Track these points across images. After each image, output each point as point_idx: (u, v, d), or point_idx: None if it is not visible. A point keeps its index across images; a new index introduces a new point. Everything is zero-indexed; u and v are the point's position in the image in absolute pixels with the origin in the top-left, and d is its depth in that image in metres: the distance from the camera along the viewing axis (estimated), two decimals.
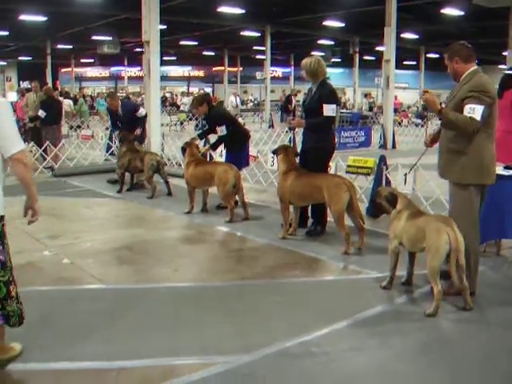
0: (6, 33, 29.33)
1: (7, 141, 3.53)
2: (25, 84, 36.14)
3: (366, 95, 35.12)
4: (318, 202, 7.36)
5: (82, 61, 49.84)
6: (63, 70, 51.70)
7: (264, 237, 7.60)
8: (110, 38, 29.72)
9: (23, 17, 25.11)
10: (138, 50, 36.08)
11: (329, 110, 7.51)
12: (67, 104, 22.50)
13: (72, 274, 6.14)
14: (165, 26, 25.56)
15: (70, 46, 39.11)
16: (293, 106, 27.70)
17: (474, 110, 5.03)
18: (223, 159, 10.24)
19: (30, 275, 6.04)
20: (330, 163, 8.60)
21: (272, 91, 32.52)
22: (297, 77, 43.72)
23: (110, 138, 14.57)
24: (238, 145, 9.51)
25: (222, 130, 9.28)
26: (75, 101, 28.16)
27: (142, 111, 11.81)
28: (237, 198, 8.78)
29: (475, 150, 5.20)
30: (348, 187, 6.96)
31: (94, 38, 31.18)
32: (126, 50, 36.39)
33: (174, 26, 27.60)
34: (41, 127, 13.95)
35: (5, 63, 46.23)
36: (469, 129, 5.07)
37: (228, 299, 5.42)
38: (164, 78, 51.84)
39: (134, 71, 50.94)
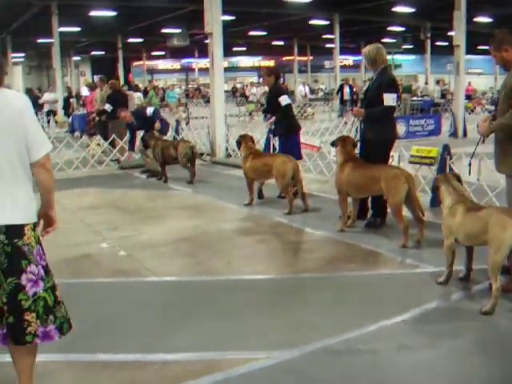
0: (78, 29, 29.96)
1: (34, 144, 3.25)
2: (97, 78, 37.01)
3: (437, 82, 34.20)
4: (375, 194, 7.19)
5: (153, 54, 50.60)
6: (135, 63, 52.63)
7: (322, 229, 7.49)
8: (179, 31, 29.96)
9: (94, 13, 25.69)
10: (207, 41, 36.24)
11: (389, 99, 7.33)
12: (137, 97, 22.85)
13: (128, 266, 6.21)
14: (233, 17, 25.61)
15: (141, 40, 39.72)
16: (346, 95, 27.29)
17: None
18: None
19: (86, 267, 6.17)
20: (393, 153, 8.40)
21: (343, 80, 32.04)
22: None
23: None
24: (288, 132, 9.66)
25: (285, 100, 9.49)
26: (145, 93, 28.61)
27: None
28: (296, 189, 8.69)
29: None
30: (406, 178, 6.76)
31: (164, 30, 31.55)
32: (195, 41, 36.60)
33: (242, 16, 27.56)
34: (107, 121, 14.22)
35: (79, 58, 47.41)
36: None
37: (280, 293, 5.38)
38: (234, 68, 52.14)
39: (204, 63, 51.25)
